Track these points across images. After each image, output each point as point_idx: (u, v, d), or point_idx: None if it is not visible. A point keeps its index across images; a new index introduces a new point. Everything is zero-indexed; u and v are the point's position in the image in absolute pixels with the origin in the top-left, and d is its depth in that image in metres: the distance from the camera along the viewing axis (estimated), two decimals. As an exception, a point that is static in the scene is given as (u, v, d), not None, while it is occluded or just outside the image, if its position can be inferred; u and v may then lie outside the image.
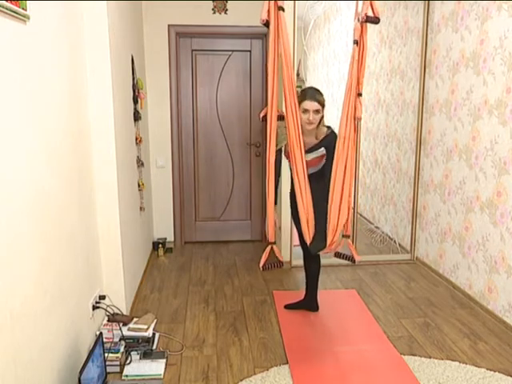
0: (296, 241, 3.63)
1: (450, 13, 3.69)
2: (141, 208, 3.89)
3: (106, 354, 2.48)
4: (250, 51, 4.67)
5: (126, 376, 2.47)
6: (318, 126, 2.76)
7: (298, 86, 2.79)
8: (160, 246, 4.51)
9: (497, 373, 2.54)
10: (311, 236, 2.61)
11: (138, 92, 3.82)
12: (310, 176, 2.59)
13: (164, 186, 4.75)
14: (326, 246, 2.60)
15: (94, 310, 2.67)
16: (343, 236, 2.70)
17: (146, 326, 2.73)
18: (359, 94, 2.54)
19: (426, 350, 2.78)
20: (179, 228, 4.86)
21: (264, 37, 4.58)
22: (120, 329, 2.65)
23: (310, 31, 5.02)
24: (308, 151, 2.73)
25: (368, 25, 2.47)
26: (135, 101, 3.70)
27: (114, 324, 2.69)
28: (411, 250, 4.35)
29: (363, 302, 3.45)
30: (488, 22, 3.21)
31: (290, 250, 4.17)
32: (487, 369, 2.58)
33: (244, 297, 3.57)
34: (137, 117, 3.73)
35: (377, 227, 4.97)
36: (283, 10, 2.38)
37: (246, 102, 4.75)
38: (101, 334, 2.39)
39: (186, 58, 4.62)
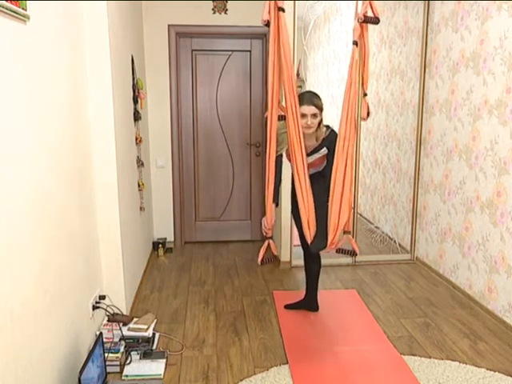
0: (296, 241, 3.64)
1: (450, 13, 3.69)
2: (141, 208, 3.89)
3: (106, 354, 2.48)
4: (249, 51, 4.67)
5: (126, 376, 2.47)
6: (317, 129, 2.76)
7: (298, 86, 2.79)
8: (160, 246, 4.51)
9: (497, 373, 2.54)
10: (312, 236, 2.61)
11: (138, 92, 3.82)
12: (311, 176, 2.60)
13: (164, 186, 4.75)
14: (327, 245, 2.60)
15: (94, 310, 2.67)
16: (344, 232, 2.69)
17: (145, 326, 2.73)
18: (364, 95, 2.53)
19: (425, 350, 2.78)
20: (179, 228, 4.86)
21: (264, 37, 4.58)
22: (120, 329, 2.65)
23: (310, 31, 5.02)
24: (310, 154, 2.73)
25: (368, 25, 2.47)
26: (135, 101, 3.70)
27: (114, 324, 2.69)
28: (411, 249, 4.35)
29: (363, 302, 3.45)
30: (488, 21, 3.21)
31: (290, 250, 4.17)
32: (487, 369, 2.58)
33: (244, 297, 3.57)
34: (137, 117, 3.73)
35: (377, 227, 4.97)
36: (283, 10, 2.38)
37: (246, 102, 4.75)
38: (101, 333, 2.39)
39: (185, 58, 4.62)
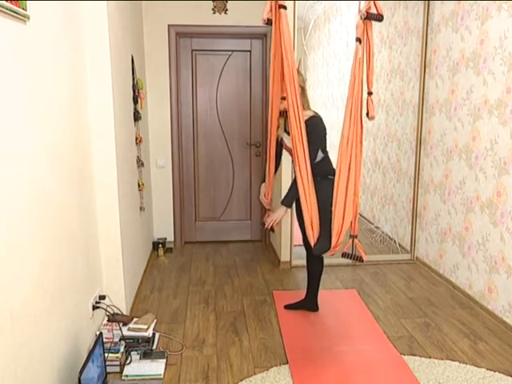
0: (296, 241, 3.64)
1: (450, 13, 3.69)
2: (141, 208, 3.89)
3: (106, 354, 2.48)
4: (249, 51, 4.67)
5: (126, 376, 2.47)
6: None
7: (301, 88, 2.79)
8: (160, 246, 4.51)
9: (497, 373, 2.54)
10: (315, 238, 2.55)
11: (138, 92, 3.82)
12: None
13: (164, 186, 4.75)
14: (331, 247, 2.51)
15: (94, 309, 2.67)
16: (350, 236, 2.60)
17: (145, 326, 2.73)
18: (369, 93, 2.50)
19: (425, 350, 2.78)
20: (179, 228, 4.86)
21: (264, 37, 4.58)
22: (120, 329, 2.65)
23: (310, 31, 5.02)
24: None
25: (372, 22, 2.42)
26: (135, 101, 3.70)
27: (114, 324, 2.69)
28: (411, 249, 4.35)
29: (363, 302, 3.45)
30: (488, 22, 3.21)
31: (290, 250, 4.17)
32: (487, 369, 2.58)
33: (244, 297, 3.57)
34: (137, 117, 3.73)
35: (377, 227, 4.97)
36: (285, 7, 2.37)
37: (246, 102, 4.75)
38: (101, 334, 2.38)
39: (185, 57, 4.63)
